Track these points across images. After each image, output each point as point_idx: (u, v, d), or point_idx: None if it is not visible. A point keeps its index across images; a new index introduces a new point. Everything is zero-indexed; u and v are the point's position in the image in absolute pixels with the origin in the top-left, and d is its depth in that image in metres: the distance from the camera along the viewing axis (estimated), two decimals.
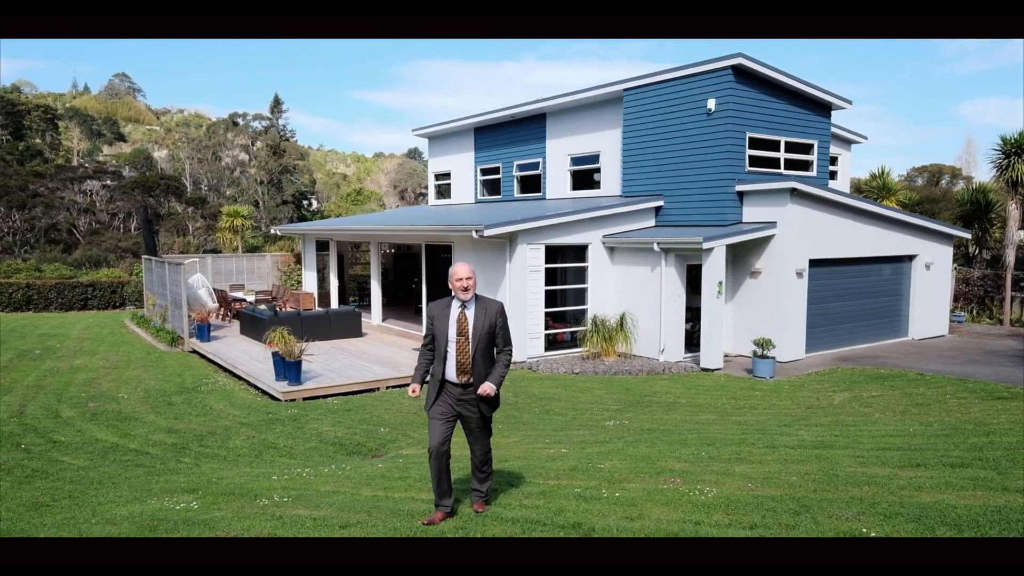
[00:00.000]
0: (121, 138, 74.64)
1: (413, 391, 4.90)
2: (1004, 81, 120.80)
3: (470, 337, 4.65)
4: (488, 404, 4.75)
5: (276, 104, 50.27)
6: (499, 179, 20.08)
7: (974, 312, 19.99)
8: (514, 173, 19.33)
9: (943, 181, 36.88)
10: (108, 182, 38.71)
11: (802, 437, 7.41)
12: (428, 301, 16.24)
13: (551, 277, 14.21)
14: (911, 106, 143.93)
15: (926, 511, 4.38)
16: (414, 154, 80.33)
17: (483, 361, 4.69)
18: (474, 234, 13.07)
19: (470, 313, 4.69)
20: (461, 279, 4.68)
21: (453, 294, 4.77)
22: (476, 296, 4.76)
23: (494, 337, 4.74)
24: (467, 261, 14.92)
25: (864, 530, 4.09)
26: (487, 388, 4.64)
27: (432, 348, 4.82)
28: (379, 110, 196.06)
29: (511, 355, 4.87)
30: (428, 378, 4.86)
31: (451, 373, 4.70)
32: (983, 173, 52.73)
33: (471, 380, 4.68)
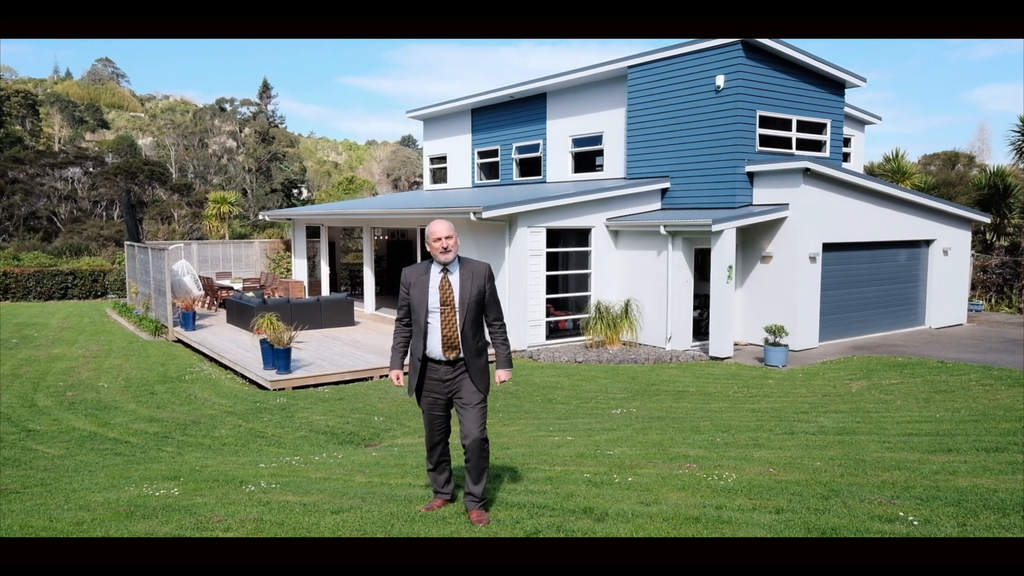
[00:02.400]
0: (104, 125, 73.23)
1: (397, 378, 4.28)
2: (1017, 66, 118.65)
3: (456, 306, 4.00)
4: (481, 380, 4.12)
5: (265, 90, 49.44)
6: (497, 162, 19.53)
7: (992, 301, 19.48)
8: (513, 156, 18.78)
9: (958, 166, 36.27)
10: (90, 168, 37.81)
11: (822, 423, 7.11)
12: None
13: (552, 262, 13.72)
14: (921, 92, 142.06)
15: (965, 495, 4.15)
16: (408, 142, 79.71)
17: (472, 333, 4.05)
18: (472, 216, 12.57)
19: (454, 278, 4.03)
20: (440, 238, 3.98)
21: (432, 258, 4.10)
22: (459, 258, 4.09)
23: (483, 306, 4.08)
24: (465, 245, 14.52)
25: (901, 514, 3.88)
26: (504, 376, 4.23)
27: (409, 323, 4.16)
28: (371, 96, 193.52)
29: (506, 329, 4.29)
30: (409, 358, 4.26)
31: (435, 350, 4.04)
32: (998, 159, 52.60)
33: (460, 355, 4.04)
